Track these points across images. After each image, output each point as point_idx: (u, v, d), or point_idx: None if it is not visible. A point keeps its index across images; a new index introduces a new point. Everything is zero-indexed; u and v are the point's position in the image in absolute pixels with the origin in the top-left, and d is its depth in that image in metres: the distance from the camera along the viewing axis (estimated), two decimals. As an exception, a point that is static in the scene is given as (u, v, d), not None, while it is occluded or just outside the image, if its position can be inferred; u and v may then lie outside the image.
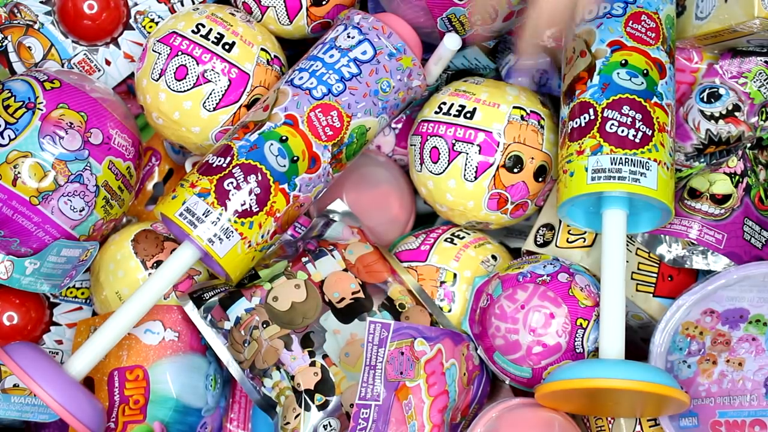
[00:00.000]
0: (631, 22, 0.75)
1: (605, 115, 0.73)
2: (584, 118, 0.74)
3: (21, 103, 0.76)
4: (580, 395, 0.71)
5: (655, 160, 0.72)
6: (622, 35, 0.75)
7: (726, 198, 0.78)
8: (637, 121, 0.72)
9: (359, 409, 0.70)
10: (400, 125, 0.92)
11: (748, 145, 0.80)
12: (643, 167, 0.71)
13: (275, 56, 0.83)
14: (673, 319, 0.76)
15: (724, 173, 0.78)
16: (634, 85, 0.73)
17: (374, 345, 0.70)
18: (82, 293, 0.89)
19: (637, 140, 0.72)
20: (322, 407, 0.74)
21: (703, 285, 0.75)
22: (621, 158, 0.71)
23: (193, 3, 0.87)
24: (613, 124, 0.72)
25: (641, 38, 0.75)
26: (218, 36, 0.80)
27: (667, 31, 0.76)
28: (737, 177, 0.79)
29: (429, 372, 0.74)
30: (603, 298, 0.72)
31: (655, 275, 0.80)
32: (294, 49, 0.88)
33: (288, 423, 0.74)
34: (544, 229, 0.83)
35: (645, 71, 0.74)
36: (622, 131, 0.72)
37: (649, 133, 0.72)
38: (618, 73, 0.74)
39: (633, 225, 0.76)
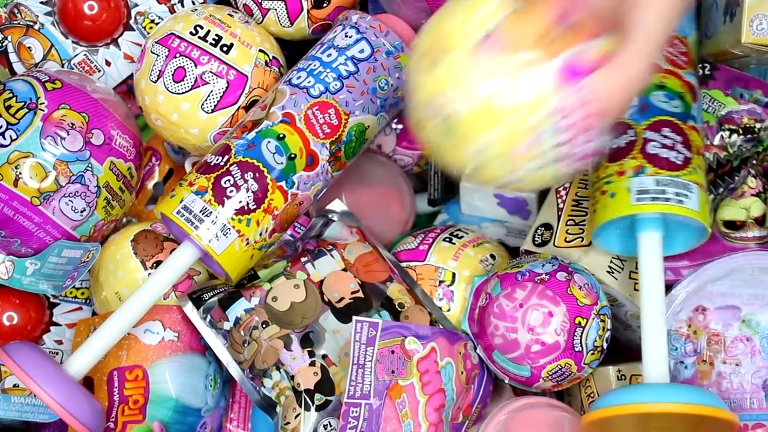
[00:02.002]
0: (665, 44, 0.75)
1: (646, 136, 0.73)
2: (623, 139, 0.73)
3: (22, 103, 0.77)
4: (626, 423, 0.68)
5: (695, 182, 0.72)
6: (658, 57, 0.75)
7: (765, 218, 0.79)
8: (677, 143, 0.72)
9: (348, 408, 0.70)
10: (401, 125, 0.92)
11: (753, 161, 0.81)
12: (685, 189, 0.71)
13: (274, 57, 0.83)
14: (669, 316, 0.76)
15: (752, 195, 0.79)
16: (672, 107, 0.74)
17: (362, 344, 0.71)
18: (82, 293, 0.89)
19: (678, 162, 0.72)
20: (322, 407, 0.74)
21: (690, 279, 0.75)
22: (665, 180, 0.71)
23: (194, 4, 0.87)
24: (654, 145, 0.72)
25: (675, 61, 0.76)
26: (216, 38, 0.81)
27: (695, 55, 0.77)
28: (763, 195, 0.79)
29: (422, 371, 0.74)
30: (644, 322, 0.70)
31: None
32: (294, 49, 0.89)
33: (288, 423, 0.74)
34: (542, 228, 0.83)
35: (681, 94, 0.74)
36: (664, 153, 0.72)
37: (689, 155, 0.73)
38: (656, 95, 0.74)
39: (667, 247, 0.75)
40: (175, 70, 0.80)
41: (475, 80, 0.56)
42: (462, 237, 0.84)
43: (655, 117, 0.73)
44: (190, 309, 0.78)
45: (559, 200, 0.83)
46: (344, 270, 0.80)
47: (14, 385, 0.85)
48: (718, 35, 0.78)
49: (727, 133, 0.81)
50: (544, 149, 0.57)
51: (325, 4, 0.83)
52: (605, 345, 0.76)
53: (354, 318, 0.71)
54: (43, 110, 0.76)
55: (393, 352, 0.73)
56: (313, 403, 0.74)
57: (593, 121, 0.57)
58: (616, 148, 0.73)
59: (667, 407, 0.64)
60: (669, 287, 0.77)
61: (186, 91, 0.80)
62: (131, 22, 0.88)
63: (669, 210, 0.71)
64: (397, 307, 0.79)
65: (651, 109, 0.74)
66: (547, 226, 0.82)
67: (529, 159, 0.57)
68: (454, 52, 0.56)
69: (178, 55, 0.80)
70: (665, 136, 0.72)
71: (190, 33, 0.81)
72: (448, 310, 0.81)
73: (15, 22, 0.87)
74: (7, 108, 0.77)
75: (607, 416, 0.66)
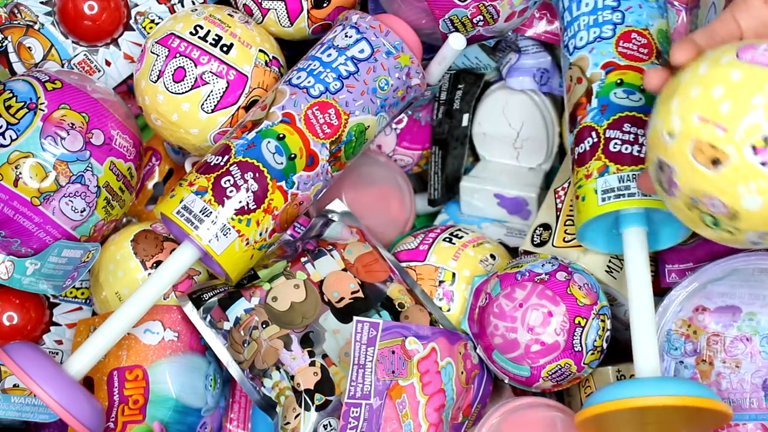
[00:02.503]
0: (621, 41, 0.75)
1: (607, 135, 0.73)
2: (588, 142, 0.73)
3: (23, 103, 0.77)
4: (620, 419, 0.69)
5: None
6: (614, 56, 0.75)
7: None
8: (639, 137, 0.72)
9: (349, 408, 0.70)
10: (401, 125, 0.92)
11: None
12: None
13: (274, 57, 0.83)
14: (665, 316, 0.76)
15: None
16: (632, 102, 0.73)
17: (362, 344, 0.71)
18: (82, 293, 0.89)
19: (641, 155, 0.72)
20: (322, 407, 0.74)
21: (692, 279, 0.75)
22: (628, 175, 0.71)
23: (194, 4, 0.87)
24: (616, 143, 0.72)
25: (634, 56, 0.75)
26: (216, 38, 0.81)
27: (661, 45, 0.76)
28: None
29: (423, 371, 0.74)
30: (633, 317, 0.70)
31: (653, 274, 0.80)
32: (294, 49, 0.89)
33: (288, 423, 0.74)
34: (541, 228, 0.83)
35: (641, 87, 0.74)
36: (626, 148, 0.72)
37: None
38: (615, 93, 0.74)
39: (654, 242, 0.75)
40: (175, 70, 0.80)
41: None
42: (462, 237, 0.84)
43: (614, 115, 0.73)
44: (190, 309, 0.78)
45: (558, 200, 0.83)
46: (344, 270, 0.80)
47: (14, 385, 0.85)
48: None
49: None
50: None
51: (325, 4, 0.83)
52: (605, 345, 0.76)
53: (355, 318, 0.71)
54: (43, 110, 0.76)
55: (393, 352, 0.73)
56: (313, 403, 0.74)
57: None
58: (582, 153, 0.74)
59: (659, 400, 0.64)
60: (670, 288, 0.78)
61: (186, 91, 0.80)
62: (131, 22, 0.88)
63: (634, 204, 0.71)
64: (397, 307, 0.79)
65: (610, 107, 0.73)
66: (546, 227, 0.82)
67: None
68: (735, 154, 0.55)
69: (178, 55, 0.80)
70: (626, 132, 0.72)
71: (190, 33, 0.81)
72: (448, 310, 0.81)
73: (15, 22, 0.87)
74: (7, 108, 0.77)
75: (600, 412, 0.66)
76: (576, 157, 0.75)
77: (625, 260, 0.72)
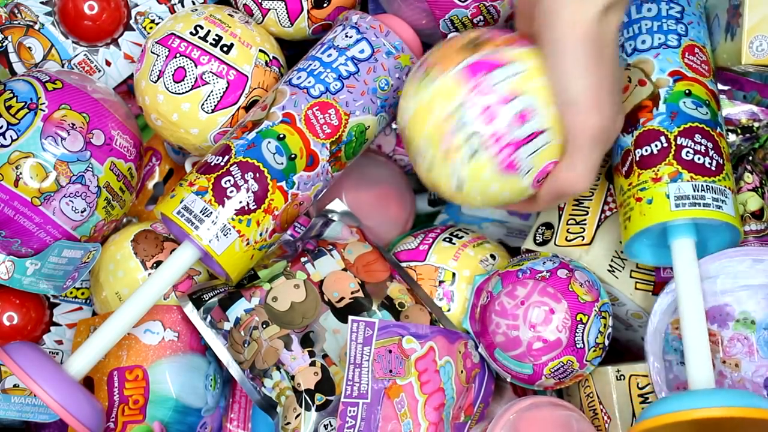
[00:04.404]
0: (687, 53, 0.76)
1: (679, 142, 0.73)
2: (656, 146, 0.73)
3: (23, 103, 0.77)
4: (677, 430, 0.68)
5: (728, 188, 0.72)
6: (681, 66, 0.76)
7: (762, 212, 0.79)
8: (709, 150, 0.73)
9: (346, 408, 0.70)
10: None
11: (750, 158, 0.81)
12: (722, 194, 0.72)
13: (274, 57, 0.83)
14: (662, 316, 0.75)
15: (748, 191, 0.79)
16: (701, 114, 0.74)
17: (358, 343, 0.71)
18: (82, 293, 0.89)
19: (712, 168, 0.72)
20: (322, 407, 0.74)
21: None
22: (702, 185, 0.71)
23: (194, 4, 0.87)
24: (688, 152, 0.72)
25: (698, 70, 0.76)
26: (216, 38, 0.81)
27: (713, 65, 0.77)
28: (760, 189, 0.79)
29: (421, 370, 0.74)
30: (685, 330, 0.70)
31: (654, 273, 0.80)
32: (294, 49, 0.89)
33: (288, 423, 0.74)
34: (543, 227, 0.83)
35: (707, 102, 0.75)
36: (698, 159, 0.72)
37: (721, 162, 0.73)
38: (684, 102, 0.74)
39: (699, 253, 0.75)
40: (175, 70, 0.80)
41: (408, 95, 0.70)
42: (462, 237, 0.84)
43: (685, 123, 0.73)
44: (190, 309, 0.78)
45: (560, 200, 0.84)
46: (344, 270, 0.80)
47: (14, 385, 0.85)
48: (719, 51, 0.79)
49: (727, 134, 0.81)
50: (462, 139, 0.66)
51: (325, 4, 0.83)
52: (607, 342, 0.76)
53: (350, 318, 0.71)
54: (44, 110, 0.76)
55: (390, 351, 0.73)
56: (313, 403, 0.74)
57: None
58: (648, 155, 0.73)
59: (715, 412, 0.64)
60: (663, 284, 0.78)
61: (186, 91, 0.80)
62: (131, 22, 0.88)
63: (709, 215, 0.71)
64: (397, 306, 0.79)
65: (680, 115, 0.74)
66: (548, 225, 0.82)
67: (456, 149, 0.67)
68: (406, 81, 0.71)
69: (178, 55, 0.80)
70: (697, 143, 0.73)
71: (191, 33, 0.81)
72: (449, 310, 0.81)
73: (15, 22, 0.87)
74: (8, 108, 0.77)
75: (659, 425, 0.66)
76: (637, 158, 0.74)
77: (675, 271, 0.72)
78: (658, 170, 0.73)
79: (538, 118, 0.66)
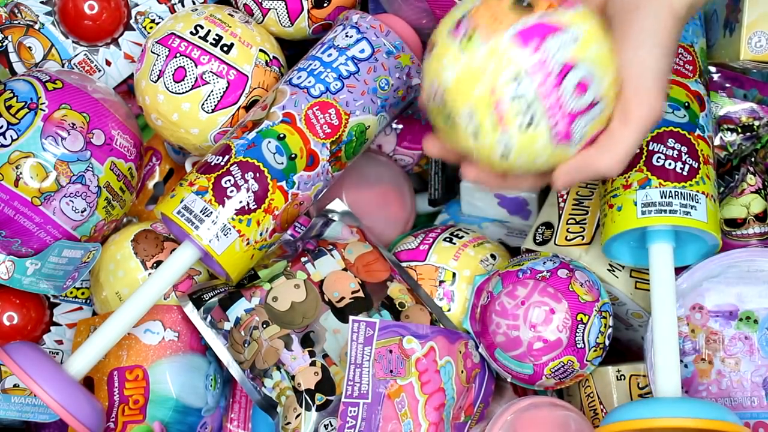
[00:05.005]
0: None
1: (651, 148, 0.73)
2: None
3: (23, 103, 0.77)
4: None
5: (703, 193, 0.72)
6: None
7: (765, 214, 0.79)
8: (683, 154, 0.72)
9: (347, 408, 0.70)
10: (401, 125, 0.92)
11: (752, 159, 0.81)
12: (692, 200, 0.71)
13: (274, 57, 0.83)
14: None
15: (752, 193, 0.79)
16: (677, 117, 0.73)
17: (359, 343, 0.71)
18: (82, 293, 0.89)
19: (684, 173, 0.72)
20: (322, 407, 0.74)
21: (684, 278, 0.75)
22: (670, 191, 0.71)
23: (194, 3, 0.87)
24: (659, 158, 0.72)
25: (680, 71, 0.76)
26: (216, 37, 0.81)
27: (702, 64, 0.77)
28: (764, 191, 0.79)
29: (421, 370, 0.74)
30: (655, 335, 0.70)
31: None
32: (294, 49, 0.89)
33: (289, 423, 0.74)
34: (543, 227, 0.83)
35: (686, 104, 0.74)
36: (669, 164, 0.72)
37: (696, 166, 0.72)
38: None
39: (679, 258, 0.75)
40: (175, 69, 0.80)
41: (447, 57, 0.63)
42: (462, 237, 0.84)
43: (659, 128, 0.73)
44: (190, 309, 0.78)
45: (560, 200, 0.83)
46: (344, 270, 0.80)
47: (14, 385, 0.85)
48: (717, 47, 0.79)
49: (727, 132, 0.81)
50: (520, 107, 0.62)
51: (325, 4, 0.83)
52: (607, 342, 0.76)
53: (351, 318, 0.71)
54: (44, 110, 0.76)
55: (391, 351, 0.73)
56: (313, 403, 0.74)
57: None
58: None
59: (680, 422, 0.64)
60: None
61: (186, 91, 0.80)
62: (131, 21, 0.88)
63: (675, 222, 0.71)
64: (397, 306, 0.79)
65: None
66: (548, 225, 0.83)
67: (512, 117, 0.62)
68: (438, 41, 0.65)
69: (178, 54, 0.80)
70: (670, 147, 0.72)
71: (191, 33, 0.81)
72: (449, 310, 0.81)
73: (15, 21, 0.87)
74: (8, 108, 0.77)
75: (620, 431, 0.66)
76: None
77: (650, 276, 0.72)
78: (629, 177, 0.72)
79: (595, 87, 0.63)
